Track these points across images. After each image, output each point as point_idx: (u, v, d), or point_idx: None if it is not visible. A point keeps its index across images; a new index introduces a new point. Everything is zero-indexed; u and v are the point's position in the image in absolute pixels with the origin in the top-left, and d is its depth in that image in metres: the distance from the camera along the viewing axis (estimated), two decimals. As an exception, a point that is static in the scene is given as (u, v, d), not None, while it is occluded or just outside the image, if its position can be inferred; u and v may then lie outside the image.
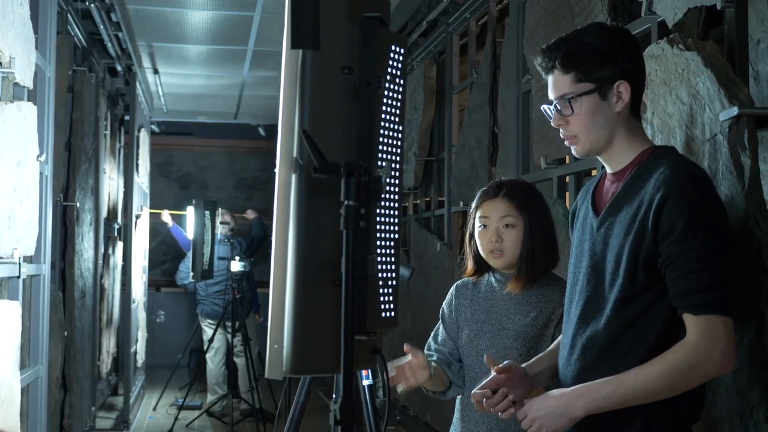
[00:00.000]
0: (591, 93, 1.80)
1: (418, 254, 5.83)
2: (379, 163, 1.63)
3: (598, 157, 1.89)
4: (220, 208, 7.12)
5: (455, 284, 2.45)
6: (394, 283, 1.67)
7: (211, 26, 6.15)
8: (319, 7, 1.51)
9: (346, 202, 1.51)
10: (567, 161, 3.64)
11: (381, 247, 1.64)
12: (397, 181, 1.69)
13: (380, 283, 1.63)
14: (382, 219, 1.65)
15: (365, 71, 1.60)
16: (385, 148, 1.65)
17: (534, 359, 2.08)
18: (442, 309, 2.44)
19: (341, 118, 1.60)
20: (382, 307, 1.64)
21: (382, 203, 1.64)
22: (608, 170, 1.90)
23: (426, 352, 2.41)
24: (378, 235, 1.64)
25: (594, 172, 3.28)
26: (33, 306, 3.29)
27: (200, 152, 10.32)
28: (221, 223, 7.05)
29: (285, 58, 1.59)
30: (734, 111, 1.97)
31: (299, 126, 1.55)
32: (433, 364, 2.28)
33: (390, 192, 1.65)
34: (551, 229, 2.31)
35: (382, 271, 1.64)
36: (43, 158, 3.14)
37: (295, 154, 1.57)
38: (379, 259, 1.63)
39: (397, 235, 1.69)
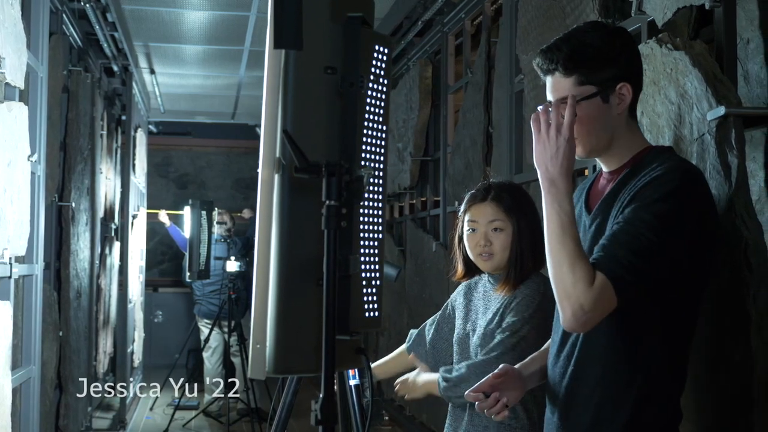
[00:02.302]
0: (594, 96, 1.78)
1: (414, 254, 5.82)
2: (363, 163, 1.63)
3: (596, 158, 1.88)
4: (217, 209, 7.12)
5: (462, 283, 2.47)
6: (378, 282, 1.68)
7: (207, 26, 6.15)
8: (301, 7, 1.51)
9: (327, 202, 1.51)
10: (560, 161, 3.63)
11: (364, 246, 1.64)
12: (380, 181, 1.69)
13: (363, 282, 1.64)
14: (366, 219, 1.65)
15: (348, 71, 1.60)
16: (368, 148, 1.65)
17: (528, 359, 2.07)
18: (447, 303, 2.50)
19: (324, 118, 1.60)
20: (366, 306, 1.64)
21: (366, 203, 1.64)
22: (604, 169, 1.89)
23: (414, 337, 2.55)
24: (361, 234, 1.64)
25: (587, 172, 3.27)
26: (25, 306, 3.29)
27: (198, 152, 10.32)
28: (218, 223, 7.05)
29: (268, 58, 1.59)
30: (721, 111, 1.97)
31: (281, 126, 1.55)
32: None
33: (373, 192, 1.65)
34: (540, 231, 2.30)
35: (365, 270, 1.64)
36: (34, 158, 3.14)
37: (277, 154, 1.57)
38: (362, 258, 1.63)
39: (381, 235, 1.69)
